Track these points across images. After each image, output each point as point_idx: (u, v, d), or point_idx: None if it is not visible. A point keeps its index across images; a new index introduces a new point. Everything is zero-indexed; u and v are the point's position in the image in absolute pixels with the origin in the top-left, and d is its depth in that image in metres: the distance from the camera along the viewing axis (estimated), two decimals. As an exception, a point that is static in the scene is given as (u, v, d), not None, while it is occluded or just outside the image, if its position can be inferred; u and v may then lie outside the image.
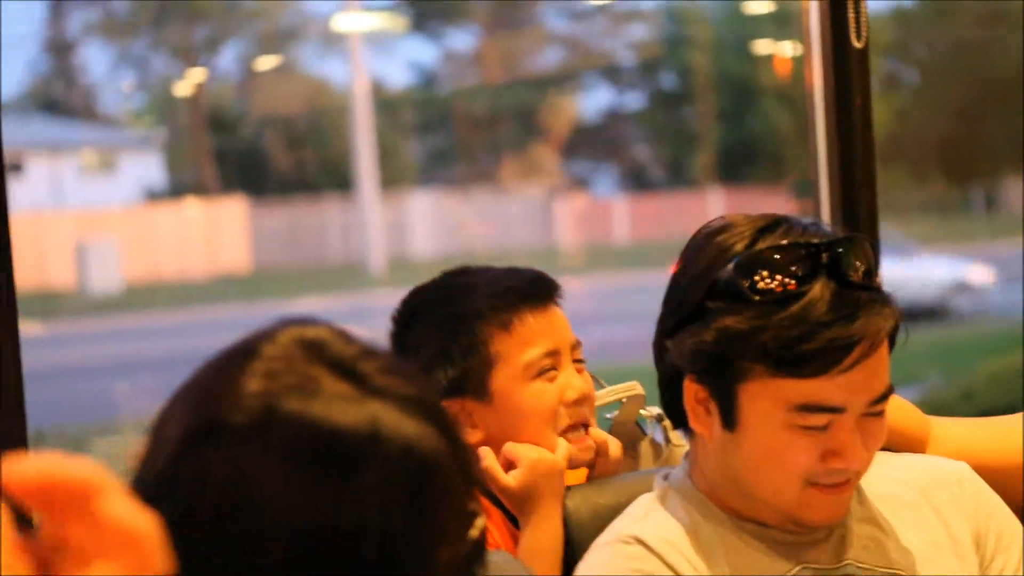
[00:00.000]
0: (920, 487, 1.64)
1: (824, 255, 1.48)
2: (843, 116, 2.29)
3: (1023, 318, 11.22)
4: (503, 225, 25.05)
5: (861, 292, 1.47)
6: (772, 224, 1.53)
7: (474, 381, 1.85)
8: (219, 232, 24.66)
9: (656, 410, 1.97)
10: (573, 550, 1.71)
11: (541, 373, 1.84)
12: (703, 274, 1.52)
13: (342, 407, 1.01)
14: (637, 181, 28.24)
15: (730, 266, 1.50)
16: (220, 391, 1.03)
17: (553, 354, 1.85)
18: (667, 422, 1.84)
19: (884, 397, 1.50)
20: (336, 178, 25.18)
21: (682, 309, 1.53)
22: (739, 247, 1.51)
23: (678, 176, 27.27)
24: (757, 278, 1.49)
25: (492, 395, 1.85)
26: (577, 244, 24.23)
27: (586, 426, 1.86)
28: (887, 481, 1.61)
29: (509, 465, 1.81)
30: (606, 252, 23.61)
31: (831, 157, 2.28)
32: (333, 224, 25.50)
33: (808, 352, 1.46)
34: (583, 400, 1.85)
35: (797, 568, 1.55)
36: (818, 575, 1.56)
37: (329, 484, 1.00)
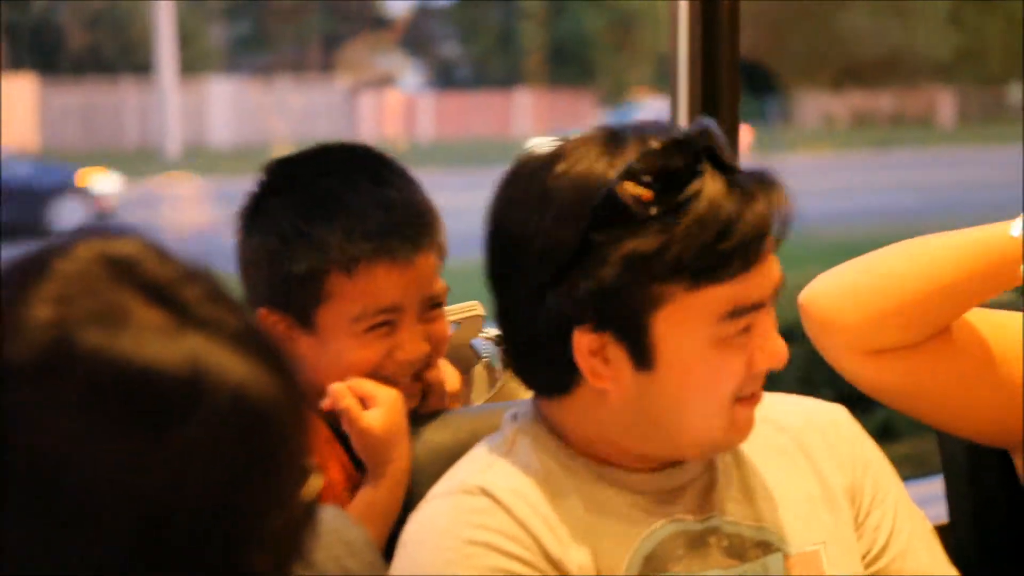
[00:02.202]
0: (793, 431, 1.49)
1: (701, 144, 1.33)
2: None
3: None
4: (305, 117, 24.62)
5: (746, 176, 1.34)
6: (612, 135, 1.35)
7: (299, 306, 1.64)
8: (7, 110, 23.75)
9: (494, 331, 1.80)
10: (408, 495, 1.53)
11: (373, 328, 1.64)
12: (570, 210, 1.33)
13: (156, 342, 0.83)
14: (444, 78, 28.01)
15: (607, 188, 1.32)
16: (1, 320, 0.82)
17: (393, 310, 1.63)
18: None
19: (781, 283, 1.38)
20: (134, 60, 24.43)
21: (554, 257, 1.34)
22: (599, 167, 1.33)
23: (485, 76, 27.13)
24: (645, 190, 1.31)
25: (316, 328, 1.64)
26: (380, 139, 23.99)
27: (418, 374, 1.67)
28: (758, 423, 1.46)
29: (363, 403, 1.61)
30: (410, 148, 23.42)
31: (693, 36, 2.14)
32: (129, 107, 24.79)
33: (728, 251, 1.31)
34: (417, 360, 1.66)
35: (660, 522, 1.40)
36: (683, 529, 1.41)
37: (138, 438, 0.81)
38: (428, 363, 1.66)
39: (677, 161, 1.32)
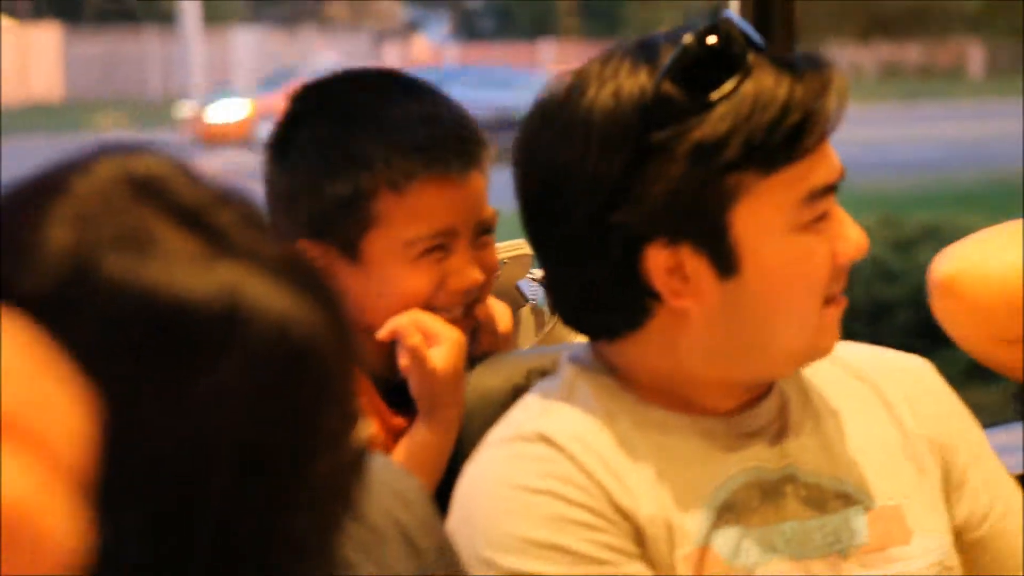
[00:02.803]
0: (870, 379, 1.39)
1: (736, 32, 1.26)
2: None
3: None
4: (330, 66, 24.48)
5: (788, 57, 1.28)
6: (640, 45, 1.28)
7: (343, 235, 1.52)
8: (30, 58, 23.70)
9: (542, 272, 1.70)
10: (457, 444, 1.43)
11: (426, 253, 1.52)
12: (618, 122, 1.25)
13: (187, 270, 0.74)
14: (468, 29, 27.84)
15: (656, 85, 1.24)
16: (12, 244, 0.73)
17: (447, 234, 1.51)
18: None
19: (844, 171, 1.31)
20: (158, 10, 24.33)
21: (608, 176, 1.24)
22: (640, 76, 1.26)
23: (508, 26, 26.95)
24: (696, 81, 1.24)
25: (362, 258, 1.51)
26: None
27: (467, 311, 1.55)
28: (830, 365, 1.36)
29: (431, 340, 1.48)
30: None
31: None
32: (153, 57, 24.72)
33: (793, 127, 1.24)
34: (472, 289, 1.55)
35: (734, 470, 1.30)
36: (758, 478, 1.31)
37: (170, 378, 0.72)
38: (479, 296, 1.55)
39: (714, 53, 1.25)
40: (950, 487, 1.38)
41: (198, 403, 0.74)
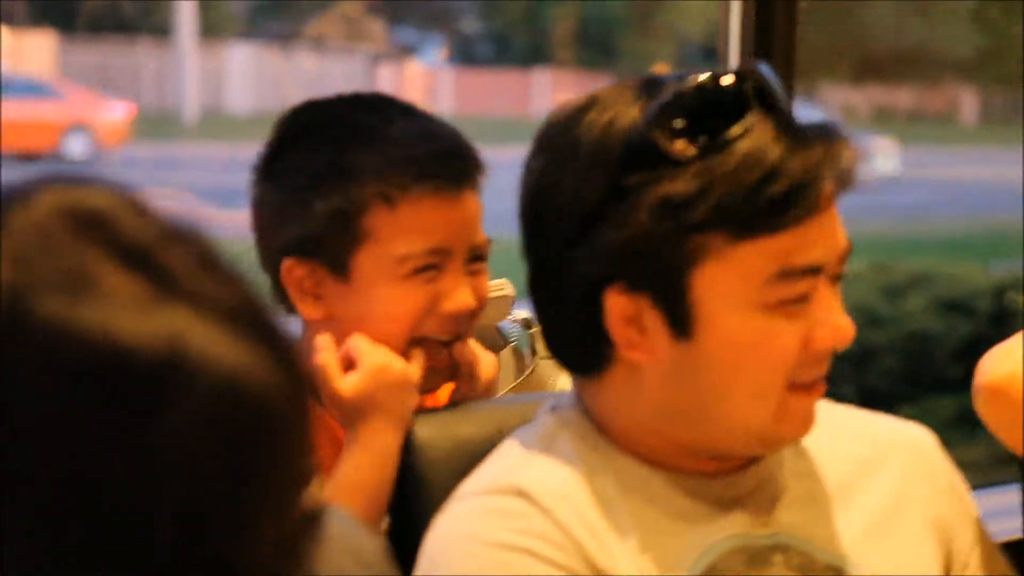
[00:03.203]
0: (871, 445, 1.33)
1: (748, 85, 1.19)
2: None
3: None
4: (323, 87, 24.49)
5: (802, 122, 1.20)
6: (650, 81, 1.23)
7: (332, 251, 1.47)
8: (24, 66, 23.66)
9: (524, 314, 1.64)
10: (425, 494, 1.36)
11: (417, 272, 1.46)
12: (599, 155, 1.20)
13: (129, 314, 0.68)
14: (464, 55, 27.85)
15: (640, 128, 1.19)
16: None
17: (441, 252, 1.46)
18: (536, 329, 1.50)
19: (850, 252, 1.24)
20: (153, 21, 24.29)
21: (581, 206, 1.20)
22: (632, 111, 1.21)
23: (505, 53, 26.96)
24: (683, 127, 1.17)
25: (350, 275, 1.46)
26: (398, 113, 23.83)
27: (450, 342, 1.49)
28: (826, 431, 1.30)
29: (348, 364, 1.45)
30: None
31: (745, 36, 1.97)
32: (147, 69, 24.67)
33: (774, 197, 1.16)
34: (463, 315, 1.49)
35: (719, 535, 1.24)
36: (745, 544, 1.25)
37: (106, 430, 0.65)
38: (466, 330, 1.49)
39: (716, 100, 1.19)
40: (953, 568, 1.31)
41: (134, 461, 0.67)
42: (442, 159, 1.46)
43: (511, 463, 1.24)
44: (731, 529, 1.23)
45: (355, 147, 1.46)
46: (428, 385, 1.49)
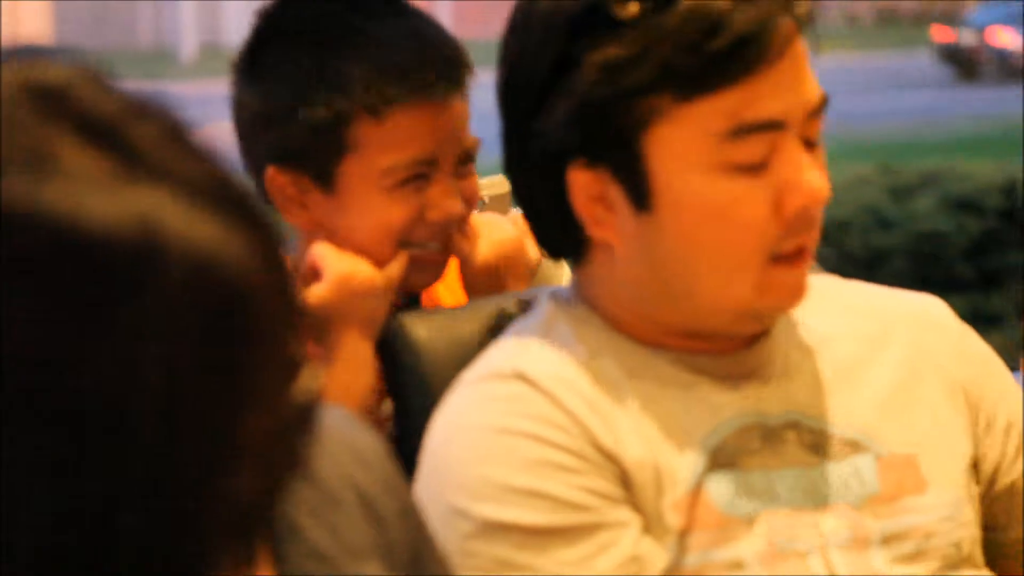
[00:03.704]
0: (881, 320, 1.28)
1: None
2: None
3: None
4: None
5: None
6: None
7: (316, 162, 1.43)
8: (19, 9, 23.54)
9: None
10: (429, 392, 1.32)
11: (404, 183, 1.43)
12: (549, 24, 1.17)
13: (95, 194, 0.64)
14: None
15: None
16: None
17: (427, 163, 1.43)
18: None
19: (822, 107, 1.17)
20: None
21: (533, 78, 1.17)
22: None
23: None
24: None
25: (336, 187, 1.42)
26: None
27: (447, 240, 1.46)
28: (836, 308, 1.26)
29: (314, 273, 1.43)
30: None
31: None
32: (144, 7, 24.53)
33: (718, 51, 1.12)
34: (452, 222, 1.46)
35: (728, 413, 1.20)
36: (757, 422, 1.21)
37: (72, 319, 0.62)
38: (459, 228, 1.47)
39: None
40: (979, 430, 1.28)
41: (108, 350, 0.64)
42: (431, 66, 1.42)
43: (510, 349, 1.21)
44: (740, 407, 1.19)
45: (340, 53, 1.42)
46: (422, 281, 1.47)
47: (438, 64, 1.42)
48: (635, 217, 1.17)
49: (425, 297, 1.53)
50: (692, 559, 1.16)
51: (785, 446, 1.20)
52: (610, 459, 1.16)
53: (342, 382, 1.40)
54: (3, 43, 0.72)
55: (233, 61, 1.48)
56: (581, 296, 1.23)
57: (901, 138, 11.95)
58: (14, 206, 0.63)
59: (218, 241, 0.66)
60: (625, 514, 1.16)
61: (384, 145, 1.41)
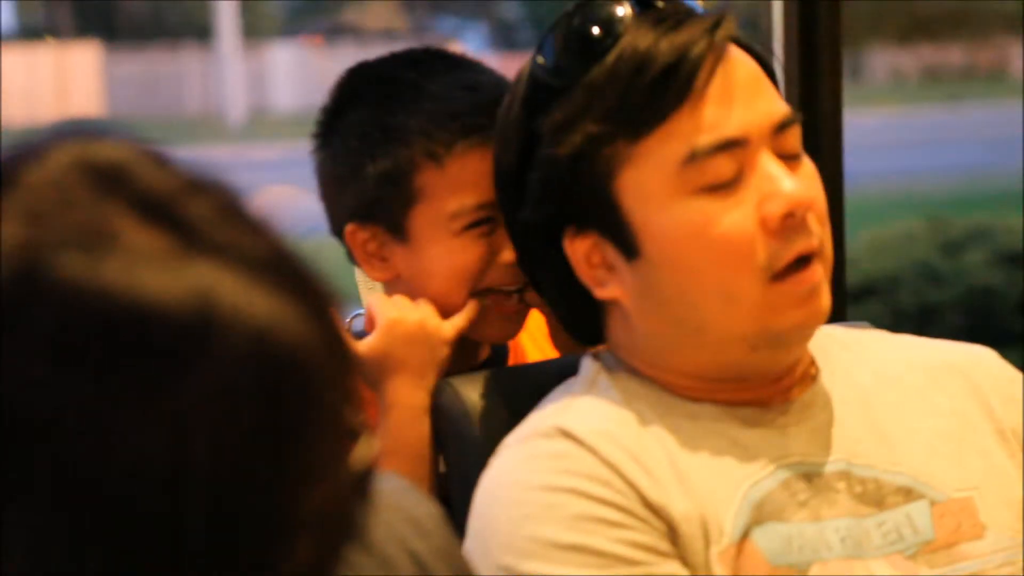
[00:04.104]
0: (930, 369, 1.27)
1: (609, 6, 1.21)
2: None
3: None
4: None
5: (678, 8, 1.19)
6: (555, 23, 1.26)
7: (388, 213, 1.46)
8: (70, 79, 23.84)
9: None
10: (479, 455, 1.32)
11: (471, 227, 1.45)
12: (512, 110, 1.25)
13: (152, 271, 0.65)
14: (505, 40, 27.83)
15: (527, 71, 1.24)
16: None
17: (493, 205, 1.45)
18: None
19: (788, 122, 1.18)
20: (195, 26, 24.43)
21: (510, 169, 1.26)
22: (526, 66, 1.26)
23: (547, 37, 26.93)
24: (560, 54, 1.21)
25: (409, 236, 1.45)
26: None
27: (519, 291, 1.48)
28: (888, 356, 1.26)
29: (372, 324, 1.45)
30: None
31: (788, 29, 1.92)
32: (192, 74, 24.81)
33: (650, 84, 1.16)
34: None
35: (772, 465, 1.19)
36: (804, 472, 1.21)
37: (131, 394, 0.62)
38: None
39: (590, 17, 1.20)
40: None
41: (164, 423, 0.64)
42: (482, 110, 1.44)
43: (553, 408, 1.22)
44: (786, 457, 1.19)
45: (401, 109, 1.46)
46: (501, 333, 1.48)
47: (491, 108, 1.45)
48: (630, 267, 1.19)
49: (512, 350, 1.55)
50: None
51: (836, 495, 1.20)
52: (657, 514, 1.16)
53: (396, 429, 1.41)
54: (56, 118, 0.73)
55: (314, 127, 1.53)
56: (617, 358, 1.25)
57: (950, 193, 11.91)
58: (72, 283, 0.64)
59: (273, 313, 0.66)
60: (674, 567, 1.16)
61: (449, 190, 1.44)
